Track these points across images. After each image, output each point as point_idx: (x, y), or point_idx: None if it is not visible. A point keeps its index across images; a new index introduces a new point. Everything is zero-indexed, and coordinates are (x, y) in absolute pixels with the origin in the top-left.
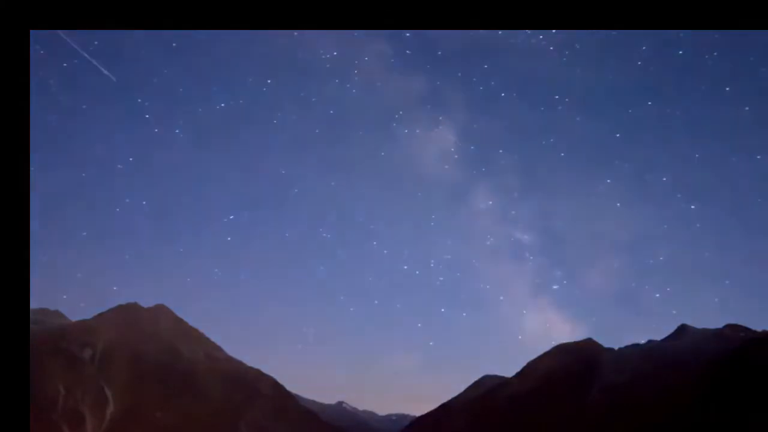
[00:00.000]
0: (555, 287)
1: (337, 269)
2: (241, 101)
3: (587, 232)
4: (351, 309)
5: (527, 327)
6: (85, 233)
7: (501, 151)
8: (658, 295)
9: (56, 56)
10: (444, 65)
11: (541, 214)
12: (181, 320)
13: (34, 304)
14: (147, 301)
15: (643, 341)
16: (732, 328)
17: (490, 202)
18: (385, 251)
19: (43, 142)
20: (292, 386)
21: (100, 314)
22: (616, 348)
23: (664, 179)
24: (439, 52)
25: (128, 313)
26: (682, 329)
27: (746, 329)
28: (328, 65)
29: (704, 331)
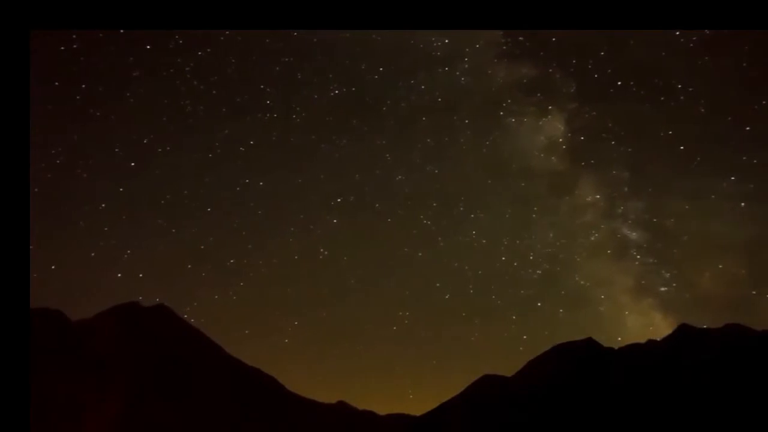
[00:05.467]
0: (662, 289)
1: (435, 257)
2: (353, 88)
3: (703, 232)
4: (446, 296)
5: (629, 329)
6: (209, 208)
7: (613, 142)
8: None
9: (191, 45)
10: (558, 52)
11: (652, 211)
12: (181, 320)
13: (34, 304)
14: (147, 301)
15: (643, 341)
16: (732, 327)
17: (598, 196)
18: (484, 241)
19: (175, 126)
20: (292, 386)
21: (101, 314)
22: (616, 348)
23: None
24: (554, 39)
25: (128, 312)
26: (682, 329)
27: (746, 329)
28: (438, 53)
29: (704, 330)
